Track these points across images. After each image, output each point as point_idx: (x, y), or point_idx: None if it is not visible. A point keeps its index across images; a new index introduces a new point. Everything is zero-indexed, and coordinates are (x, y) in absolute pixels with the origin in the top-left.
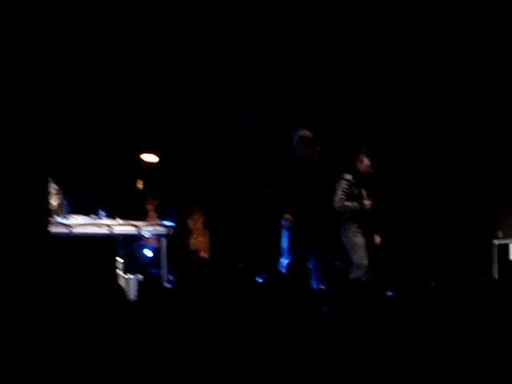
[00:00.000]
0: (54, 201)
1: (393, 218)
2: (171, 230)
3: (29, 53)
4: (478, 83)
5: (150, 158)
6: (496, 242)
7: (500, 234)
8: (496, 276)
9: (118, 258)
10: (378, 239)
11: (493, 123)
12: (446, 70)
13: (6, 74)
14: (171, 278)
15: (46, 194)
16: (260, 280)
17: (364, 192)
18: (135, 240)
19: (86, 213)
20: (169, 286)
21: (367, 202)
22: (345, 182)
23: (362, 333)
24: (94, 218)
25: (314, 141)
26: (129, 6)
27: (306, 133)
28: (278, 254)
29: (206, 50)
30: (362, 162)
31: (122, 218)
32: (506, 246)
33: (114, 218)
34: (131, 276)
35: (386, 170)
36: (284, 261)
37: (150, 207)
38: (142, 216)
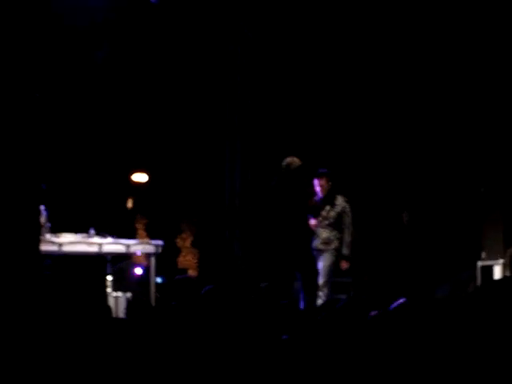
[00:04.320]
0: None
1: (373, 238)
2: (160, 248)
3: (21, 76)
4: (455, 108)
5: (139, 177)
6: (480, 263)
7: (484, 255)
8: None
9: (107, 276)
10: (344, 265)
11: (475, 144)
12: (425, 94)
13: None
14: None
15: (38, 212)
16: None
17: (324, 213)
18: (124, 258)
19: (76, 231)
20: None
21: (312, 222)
22: None
23: (342, 354)
24: (85, 237)
25: (303, 169)
26: (118, 32)
27: (293, 160)
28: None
29: (194, 71)
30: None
31: (111, 236)
32: (490, 268)
33: (104, 236)
34: (120, 294)
35: (367, 189)
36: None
37: (139, 226)
38: (131, 234)
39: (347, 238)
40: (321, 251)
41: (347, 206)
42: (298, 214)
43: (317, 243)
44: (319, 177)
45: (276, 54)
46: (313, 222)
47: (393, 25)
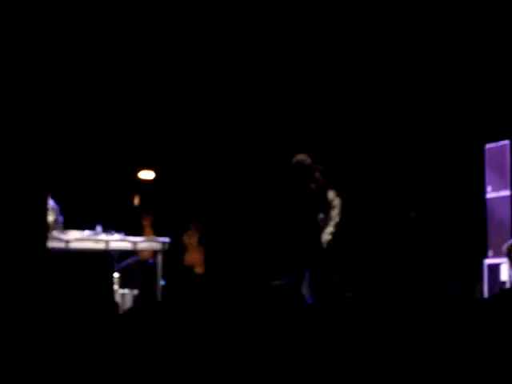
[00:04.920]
0: (50, 216)
1: (380, 235)
2: (167, 245)
3: (27, 73)
4: (458, 106)
5: (146, 174)
6: (486, 261)
7: (490, 253)
8: (486, 296)
9: (114, 274)
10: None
11: (479, 143)
12: (430, 91)
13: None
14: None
15: (45, 209)
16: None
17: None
18: (131, 255)
19: (83, 228)
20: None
21: None
22: None
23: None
24: (91, 234)
25: (312, 166)
26: (120, 31)
27: (304, 158)
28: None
29: (200, 66)
30: None
31: (118, 233)
32: (497, 266)
33: (110, 233)
34: (127, 291)
35: (374, 187)
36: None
37: (146, 223)
38: (138, 232)
39: (330, 228)
40: None
41: (337, 200)
42: (308, 210)
43: None
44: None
45: (278, 52)
46: None
47: (392, 23)
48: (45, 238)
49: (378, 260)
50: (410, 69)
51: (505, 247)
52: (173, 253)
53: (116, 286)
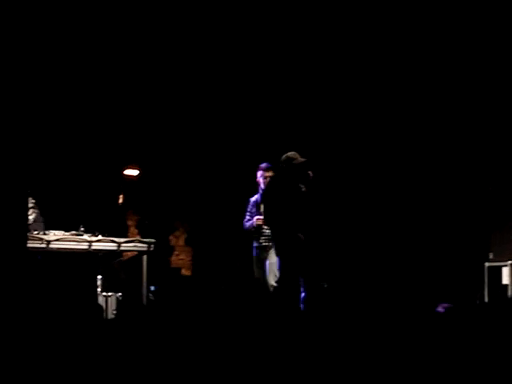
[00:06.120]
0: (30, 215)
1: (383, 238)
2: (152, 246)
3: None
4: (461, 106)
5: (131, 172)
6: (487, 264)
7: (491, 256)
8: (486, 299)
9: (97, 275)
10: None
11: (482, 142)
12: (431, 92)
13: None
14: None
15: (25, 208)
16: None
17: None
18: (115, 256)
19: (66, 228)
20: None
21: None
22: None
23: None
24: (75, 234)
25: (304, 164)
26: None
27: (296, 156)
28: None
29: (188, 65)
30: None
31: (102, 233)
32: (497, 269)
33: (94, 233)
34: (110, 294)
35: (376, 189)
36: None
37: (130, 223)
38: (122, 232)
39: None
40: (265, 248)
41: None
42: (296, 211)
43: (261, 240)
44: (266, 170)
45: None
46: (258, 218)
47: (392, 24)
48: (25, 239)
49: (378, 263)
50: (412, 68)
51: None
52: (159, 254)
53: (99, 289)
